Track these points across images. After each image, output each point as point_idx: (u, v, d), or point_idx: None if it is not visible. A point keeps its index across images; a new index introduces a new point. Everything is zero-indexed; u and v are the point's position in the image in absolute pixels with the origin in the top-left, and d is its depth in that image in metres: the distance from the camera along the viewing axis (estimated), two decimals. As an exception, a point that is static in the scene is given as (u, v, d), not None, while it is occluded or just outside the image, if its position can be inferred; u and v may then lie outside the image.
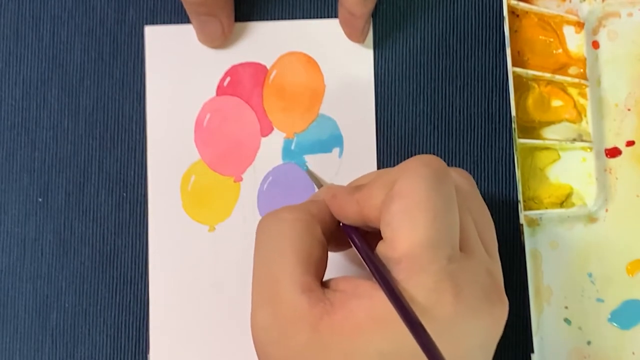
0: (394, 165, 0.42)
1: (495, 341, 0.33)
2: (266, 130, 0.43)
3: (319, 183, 0.41)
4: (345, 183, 0.40)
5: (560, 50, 0.43)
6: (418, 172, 0.32)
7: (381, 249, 0.32)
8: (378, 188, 0.32)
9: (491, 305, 0.32)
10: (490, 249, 0.34)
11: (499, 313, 0.32)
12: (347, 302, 0.31)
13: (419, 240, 0.30)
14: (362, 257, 0.33)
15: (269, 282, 0.33)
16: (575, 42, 0.43)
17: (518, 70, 0.41)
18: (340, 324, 0.31)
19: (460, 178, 0.35)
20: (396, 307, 0.30)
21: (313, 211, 0.34)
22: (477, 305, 0.31)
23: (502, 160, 0.42)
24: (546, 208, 0.41)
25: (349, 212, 0.34)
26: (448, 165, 0.42)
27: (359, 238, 0.34)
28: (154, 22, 0.43)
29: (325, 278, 0.34)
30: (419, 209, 0.31)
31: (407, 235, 0.31)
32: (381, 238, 0.32)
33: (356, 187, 0.34)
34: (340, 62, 0.43)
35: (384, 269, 0.31)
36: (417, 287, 0.30)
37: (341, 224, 0.35)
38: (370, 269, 0.32)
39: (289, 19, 0.43)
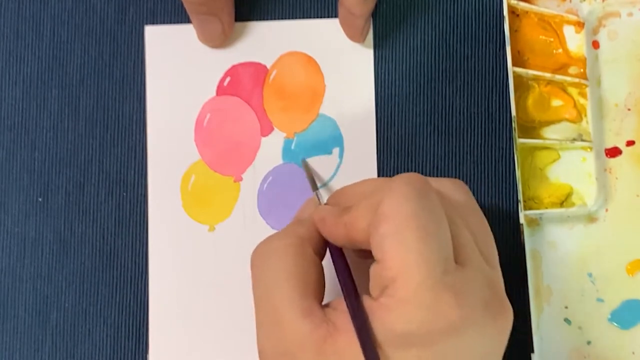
0: (393, 165, 0.42)
1: (501, 351, 0.33)
2: (266, 130, 0.43)
3: (312, 179, 0.41)
4: (345, 183, 0.40)
5: (560, 50, 0.43)
6: (401, 192, 0.32)
7: (376, 269, 0.32)
8: (363, 211, 0.33)
9: (493, 315, 0.32)
10: (490, 259, 0.34)
11: (502, 322, 0.32)
12: (349, 324, 0.31)
13: (411, 257, 0.31)
14: (339, 282, 0.34)
15: (270, 311, 0.33)
16: (575, 42, 0.43)
17: (518, 70, 0.41)
18: (344, 348, 0.31)
19: (454, 189, 0.35)
20: (361, 341, 0.30)
21: (302, 233, 0.35)
22: (479, 315, 0.31)
23: (502, 160, 0.42)
24: (546, 208, 0.41)
25: (338, 236, 0.34)
26: (447, 166, 0.42)
27: (341, 263, 0.35)
28: (154, 22, 0.43)
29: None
30: (407, 227, 0.31)
31: (398, 254, 0.31)
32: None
33: (344, 210, 0.34)
34: (340, 62, 0.43)
35: (358, 299, 0.32)
36: (415, 304, 0.30)
37: (328, 245, 0.36)
38: (344, 297, 0.32)
39: (289, 19, 0.43)
